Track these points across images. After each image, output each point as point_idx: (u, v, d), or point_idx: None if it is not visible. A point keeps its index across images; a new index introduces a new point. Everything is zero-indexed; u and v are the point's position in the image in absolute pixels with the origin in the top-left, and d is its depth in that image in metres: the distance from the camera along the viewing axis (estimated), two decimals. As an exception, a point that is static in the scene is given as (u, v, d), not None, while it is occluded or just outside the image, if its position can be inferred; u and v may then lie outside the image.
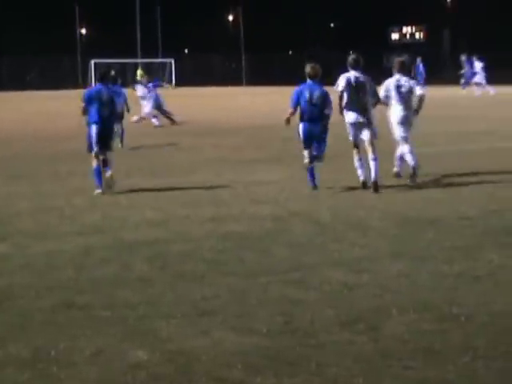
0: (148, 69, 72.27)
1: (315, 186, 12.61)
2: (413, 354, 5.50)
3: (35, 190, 13.14)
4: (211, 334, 5.94)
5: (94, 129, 12.88)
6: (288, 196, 12.03)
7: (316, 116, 12.55)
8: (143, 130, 24.38)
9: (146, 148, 19.70)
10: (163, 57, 74.79)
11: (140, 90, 25.93)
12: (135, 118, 24.84)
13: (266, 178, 13.97)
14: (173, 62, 70.95)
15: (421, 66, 48.50)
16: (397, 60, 13.53)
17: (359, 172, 12.61)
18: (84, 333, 6.00)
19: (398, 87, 13.08)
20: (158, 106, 26.18)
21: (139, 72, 67.91)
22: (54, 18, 78.68)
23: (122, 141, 20.67)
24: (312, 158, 12.60)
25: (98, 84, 13.63)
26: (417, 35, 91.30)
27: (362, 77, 12.69)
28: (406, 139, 13.17)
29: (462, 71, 45.96)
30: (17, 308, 6.68)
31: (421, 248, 8.52)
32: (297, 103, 12.65)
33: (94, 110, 12.91)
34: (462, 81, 45.72)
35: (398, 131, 13.23)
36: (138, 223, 10.16)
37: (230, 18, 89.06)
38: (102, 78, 13.72)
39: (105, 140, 12.95)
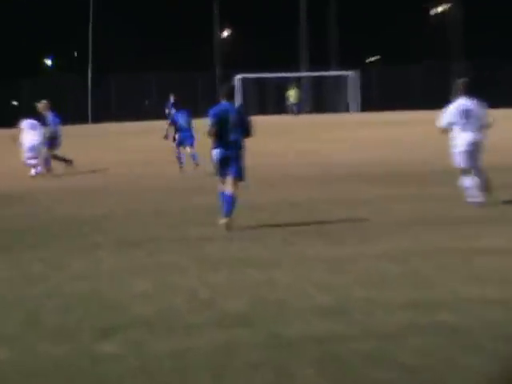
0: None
1: None
2: None
3: (164, 261, 13.36)
4: None
5: (216, 153, 15.44)
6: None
7: None
8: (305, 174, 24.54)
9: (313, 202, 19.85)
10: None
11: None
12: None
13: (493, 244, 13.82)
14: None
15: None
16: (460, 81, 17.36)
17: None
18: None
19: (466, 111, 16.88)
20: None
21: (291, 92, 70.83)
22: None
23: None
24: None
25: (223, 101, 15.46)
26: None
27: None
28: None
29: None
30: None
31: None
32: None
33: (220, 131, 15.33)
34: None
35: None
36: (301, 310, 10.13)
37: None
38: (229, 94, 15.61)
39: (227, 165, 15.40)
